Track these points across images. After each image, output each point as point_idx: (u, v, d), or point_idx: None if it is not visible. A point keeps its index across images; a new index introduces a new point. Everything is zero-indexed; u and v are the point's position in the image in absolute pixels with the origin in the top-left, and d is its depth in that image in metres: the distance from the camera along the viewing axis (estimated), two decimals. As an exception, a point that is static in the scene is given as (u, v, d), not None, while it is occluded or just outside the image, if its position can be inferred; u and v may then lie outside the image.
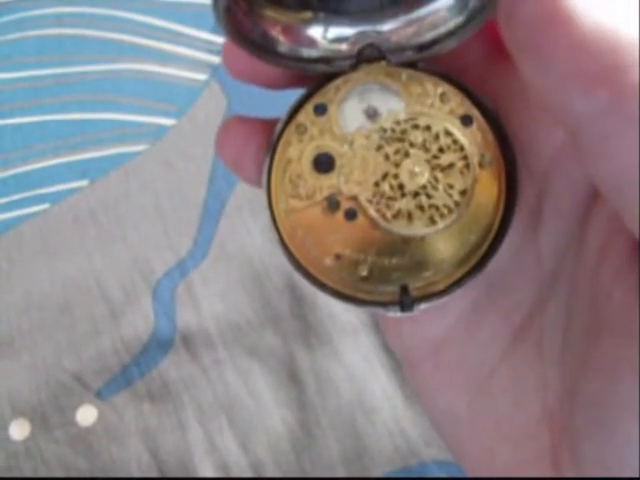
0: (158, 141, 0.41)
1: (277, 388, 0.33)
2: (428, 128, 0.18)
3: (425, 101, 0.19)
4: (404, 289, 0.18)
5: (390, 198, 0.18)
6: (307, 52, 0.19)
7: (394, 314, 0.19)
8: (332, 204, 0.18)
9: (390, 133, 0.18)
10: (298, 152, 0.19)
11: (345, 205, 0.18)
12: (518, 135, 0.18)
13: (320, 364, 0.34)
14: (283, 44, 0.19)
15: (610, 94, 0.13)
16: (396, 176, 0.18)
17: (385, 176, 0.18)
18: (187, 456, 0.32)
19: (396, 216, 0.18)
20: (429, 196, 0.18)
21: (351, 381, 0.34)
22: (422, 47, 0.19)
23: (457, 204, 0.18)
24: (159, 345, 0.34)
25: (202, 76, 0.43)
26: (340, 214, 0.18)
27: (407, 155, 0.18)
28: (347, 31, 0.20)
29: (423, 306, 0.18)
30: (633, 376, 0.14)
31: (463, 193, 0.18)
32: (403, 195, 0.18)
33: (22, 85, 0.43)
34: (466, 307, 0.19)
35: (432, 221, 0.18)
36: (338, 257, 0.18)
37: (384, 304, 0.19)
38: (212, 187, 0.39)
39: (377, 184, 0.18)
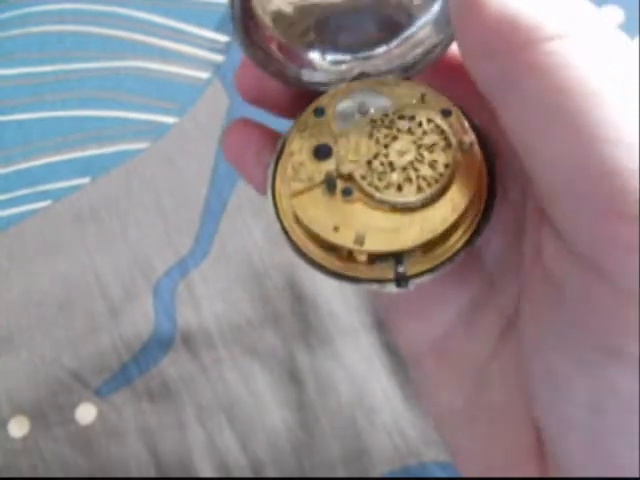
0: (159, 139, 0.41)
1: (277, 388, 0.33)
2: (412, 118, 0.21)
3: (410, 100, 0.21)
4: (399, 264, 0.19)
5: (381, 172, 0.20)
6: (307, 75, 0.22)
7: (390, 290, 0.20)
8: (330, 184, 0.20)
9: (379, 123, 0.21)
10: (299, 146, 0.21)
11: (342, 185, 0.20)
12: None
13: (320, 364, 0.34)
14: (286, 65, 0.22)
15: (505, 63, 0.15)
16: (386, 155, 0.20)
17: (376, 156, 0.20)
18: (186, 455, 0.32)
19: (387, 187, 0.20)
20: (416, 169, 0.20)
21: (351, 381, 0.33)
22: (408, 68, 0.22)
23: (442, 175, 0.20)
24: (159, 344, 0.34)
25: (204, 74, 0.42)
26: (338, 194, 0.20)
27: (395, 138, 0.20)
28: (341, 57, 0.23)
29: (418, 281, 0.20)
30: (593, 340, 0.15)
31: (447, 166, 0.20)
32: (393, 170, 0.20)
33: (24, 82, 0.43)
34: (464, 304, 0.20)
35: (420, 189, 0.20)
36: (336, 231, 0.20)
37: (380, 281, 0.20)
38: (214, 186, 0.39)
39: (369, 162, 0.20)
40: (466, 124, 0.20)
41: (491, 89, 0.16)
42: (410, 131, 0.20)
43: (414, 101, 0.21)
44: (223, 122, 0.41)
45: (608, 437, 0.15)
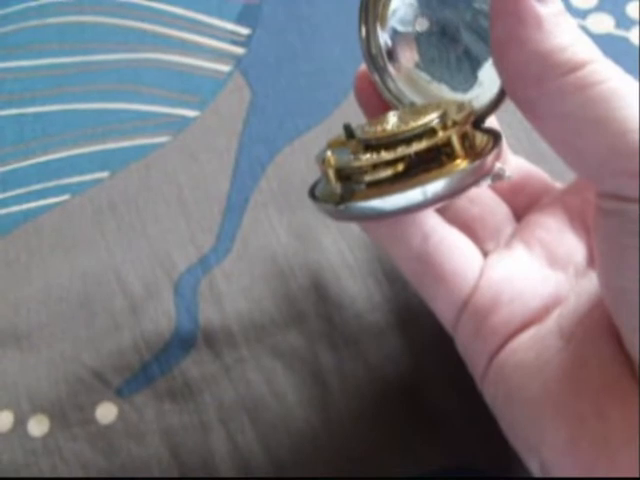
0: (180, 133, 0.40)
1: (301, 388, 0.33)
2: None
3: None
4: (347, 188, 0.22)
5: (372, 126, 0.23)
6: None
7: (327, 212, 0.23)
8: (346, 130, 0.23)
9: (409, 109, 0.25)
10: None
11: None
12: None
13: (345, 365, 0.33)
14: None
15: (550, 87, 0.20)
16: (388, 120, 0.23)
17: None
18: (208, 456, 0.32)
19: (365, 133, 0.23)
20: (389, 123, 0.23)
21: (376, 382, 0.33)
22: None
23: (407, 127, 0.22)
24: (181, 342, 0.33)
25: (226, 67, 0.42)
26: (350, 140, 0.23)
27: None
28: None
29: (360, 204, 0.21)
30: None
31: (416, 121, 0.22)
32: (380, 124, 0.23)
33: (42, 73, 0.42)
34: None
35: (377, 132, 0.22)
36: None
37: (326, 200, 0.23)
38: (235, 181, 0.38)
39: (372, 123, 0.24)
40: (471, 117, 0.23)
41: (534, 107, 0.20)
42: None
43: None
44: (245, 116, 0.40)
45: None
